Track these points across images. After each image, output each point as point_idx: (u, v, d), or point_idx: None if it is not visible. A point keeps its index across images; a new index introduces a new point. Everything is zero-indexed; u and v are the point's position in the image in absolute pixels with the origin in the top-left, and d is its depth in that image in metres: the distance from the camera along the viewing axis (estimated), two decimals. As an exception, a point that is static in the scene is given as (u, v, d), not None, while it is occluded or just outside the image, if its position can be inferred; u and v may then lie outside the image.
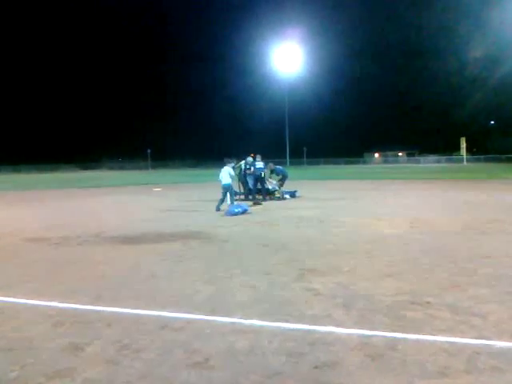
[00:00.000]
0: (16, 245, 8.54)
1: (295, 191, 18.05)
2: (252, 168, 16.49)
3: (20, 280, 5.93)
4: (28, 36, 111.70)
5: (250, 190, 16.78)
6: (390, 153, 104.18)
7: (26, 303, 4.94)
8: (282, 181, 17.56)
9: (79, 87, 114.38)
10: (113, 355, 3.55)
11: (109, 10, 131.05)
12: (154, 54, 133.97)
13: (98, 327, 4.16)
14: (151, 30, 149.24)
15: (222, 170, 13.79)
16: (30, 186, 32.24)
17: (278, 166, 18.08)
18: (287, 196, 17.33)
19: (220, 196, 13.75)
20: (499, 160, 71.67)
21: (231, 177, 13.79)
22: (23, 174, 63.45)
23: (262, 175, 16.48)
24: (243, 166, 16.93)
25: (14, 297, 5.16)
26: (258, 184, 16.57)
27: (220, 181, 13.73)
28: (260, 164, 16.48)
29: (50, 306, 4.80)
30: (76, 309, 4.70)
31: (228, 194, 13.81)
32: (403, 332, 3.86)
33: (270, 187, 17.36)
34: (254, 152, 17.66)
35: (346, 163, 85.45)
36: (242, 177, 17.22)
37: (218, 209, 13.16)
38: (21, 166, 77.93)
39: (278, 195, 17.17)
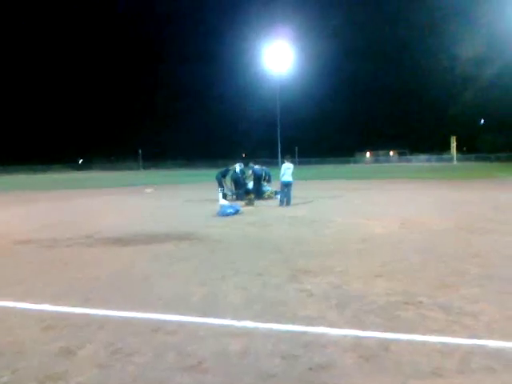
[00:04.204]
0: (5, 247, 8.44)
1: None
2: (250, 171, 17.70)
3: (9, 283, 5.86)
4: (19, 36, 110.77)
5: (247, 190, 17.31)
6: (381, 152, 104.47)
7: (15, 306, 4.88)
8: (269, 181, 18.08)
9: (69, 88, 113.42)
10: (105, 359, 3.51)
11: (99, 13, 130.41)
12: (144, 54, 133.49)
13: (90, 330, 4.12)
14: (142, 31, 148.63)
15: (284, 166, 14.78)
16: (20, 186, 31.93)
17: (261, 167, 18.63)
18: (278, 196, 17.36)
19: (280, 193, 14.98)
20: (489, 159, 72.21)
21: (292, 175, 14.81)
22: (13, 175, 62.79)
23: (263, 175, 17.59)
24: (238, 169, 17.34)
25: (3, 300, 5.10)
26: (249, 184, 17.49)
27: (281, 178, 14.72)
28: (256, 166, 17.74)
29: (40, 309, 4.74)
30: (67, 312, 4.65)
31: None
32: (396, 332, 3.87)
33: (265, 184, 17.83)
34: (245, 152, 18.29)
35: (338, 162, 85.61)
36: (234, 177, 17.35)
37: (281, 204, 14.45)
38: (11, 166, 77.04)
39: (269, 195, 17.28)
